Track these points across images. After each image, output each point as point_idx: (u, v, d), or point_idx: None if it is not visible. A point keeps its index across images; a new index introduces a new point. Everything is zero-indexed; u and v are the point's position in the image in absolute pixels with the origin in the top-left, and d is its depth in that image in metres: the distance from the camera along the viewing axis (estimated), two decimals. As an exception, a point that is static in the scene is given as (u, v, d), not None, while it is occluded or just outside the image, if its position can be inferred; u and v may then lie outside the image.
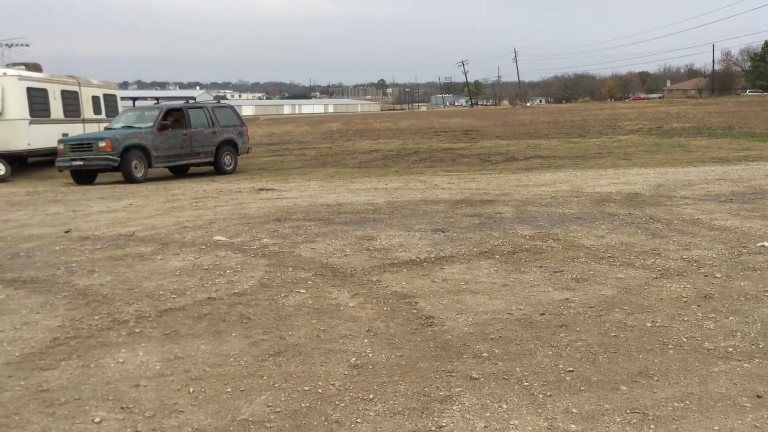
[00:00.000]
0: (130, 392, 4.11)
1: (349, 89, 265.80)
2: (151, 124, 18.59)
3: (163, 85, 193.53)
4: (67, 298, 6.08)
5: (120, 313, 5.60)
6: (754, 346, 4.61)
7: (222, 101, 25.32)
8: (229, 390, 4.11)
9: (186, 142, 19.31)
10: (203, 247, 8.08)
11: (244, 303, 5.82)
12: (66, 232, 9.46)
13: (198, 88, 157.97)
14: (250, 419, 3.73)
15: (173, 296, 6.05)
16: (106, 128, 20.27)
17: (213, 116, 20.38)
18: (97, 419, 3.77)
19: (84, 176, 18.27)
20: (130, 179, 17.78)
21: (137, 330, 5.20)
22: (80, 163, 17.60)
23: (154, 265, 7.19)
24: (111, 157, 17.34)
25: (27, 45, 60.51)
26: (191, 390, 4.11)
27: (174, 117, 19.48)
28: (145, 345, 4.88)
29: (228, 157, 20.66)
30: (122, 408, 3.90)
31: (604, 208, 10.03)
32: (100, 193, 15.05)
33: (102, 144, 17.27)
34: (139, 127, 18.63)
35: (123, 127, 19.15)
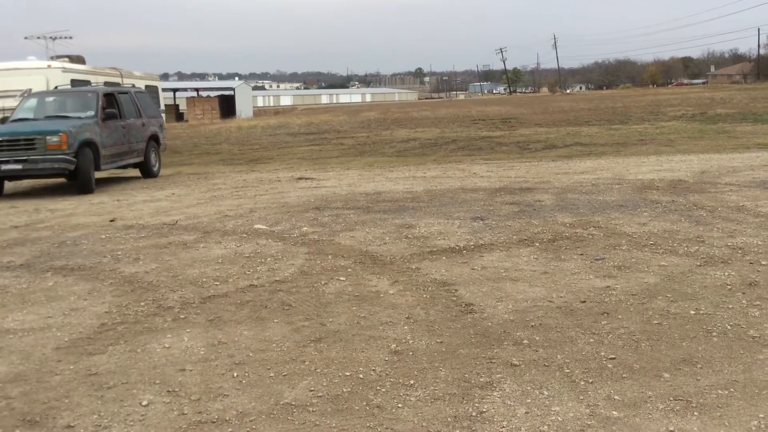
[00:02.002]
0: (176, 376, 4.20)
1: (387, 78, 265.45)
2: (93, 112, 13.85)
3: (202, 76, 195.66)
4: (113, 285, 6.22)
5: (165, 300, 5.72)
6: (801, 334, 4.52)
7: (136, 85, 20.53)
8: (271, 375, 4.18)
9: (125, 136, 15.15)
10: (244, 235, 8.19)
11: (285, 290, 5.89)
12: (111, 221, 9.67)
13: (237, 78, 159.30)
14: (293, 403, 3.79)
15: (216, 283, 6.16)
16: (9, 121, 14.44)
17: (139, 104, 16.29)
18: (144, 402, 3.86)
19: None
20: (85, 188, 13.26)
21: (182, 316, 5.31)
22: (17, 167, 12.51)
23: (196, 253, 7.31)
24: (67, 157, 12.62)
25: (70, 37, 61.51)
26: (235, 374, 4.19)
27: (108, 104, 14.78)
28: (189, 330, 4.98)
29: (154, 155, 16.77)
30: (168, 391, 3.99)
31: (647, 196, 9.89)
32: (143, 183, 15.30)
33: (55, 139, 12.48)
34: (79, 117, 13.80)
35: (47, 117, 13.99)
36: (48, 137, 12.56)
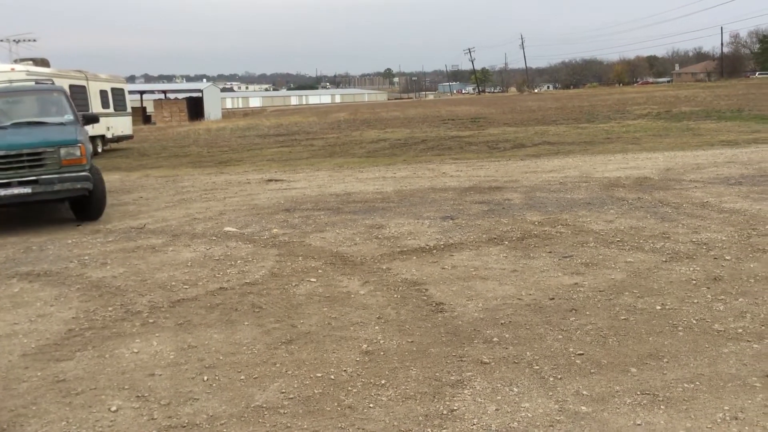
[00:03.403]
0: (145, 381, 4.16)
1: (356, 79, 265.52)
2: (71, 116, 10.60)
3: (170, 78, 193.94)
4: (80, 291, 6.15)
5: (133, 305, 5.66)
6: (764, 327, 4.62)
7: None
8: (242, 377, 4.16)
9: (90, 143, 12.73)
10: (214, 238, 8.14)
11: (255, 292, 5.87)
12: (77, 225, 9.53)
13: (205, 80, 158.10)
14: (264, 405, 3.78)
15: (185, 287, 6.11)
16: None
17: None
18: (113, 408, 3.83)
19: None
20: (99, 213, 10.06)
21: (151, 320, 5.26)
22: (24, 190, 8.96)
23: (165, 257, 7.25)
24: (87, 174, 9.45)
25: (34, 40, 60.73)
26: (205, 378, 4.17)
27: None
28: (158, 335, 4.94)
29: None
30: (138, 396, 3.96)
31: (613, 193, 10.02)
32: (108, 186, 15.10)
33: (74, 152, 9.31)
34: (61, 123, 10.37)
35: (14, 124, 10.08)
36: (63, 149, 9.12)
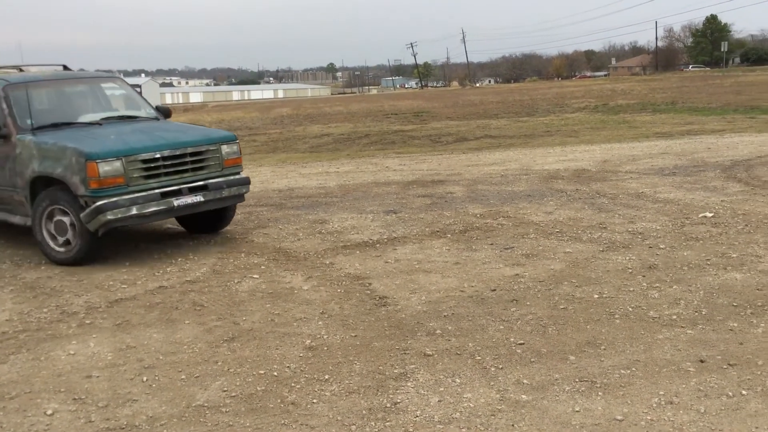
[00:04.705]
0: (82, 383, 4.07)
1: (299, 74, 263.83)
2: (152, 110, 8.57)
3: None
4: (14, 292, 5.96)
5: (69, 305, 5.52)
6: (697, 313, 4.77)
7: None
8: (183, 377, 4.10)
9: None
10: (153, 235, 7.98)
11: (196, 290, 5.78)
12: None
13: (143, 75, 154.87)
14: (206, 405, 3.74)
15: (123, 286, 5.99)
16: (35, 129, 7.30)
17: None
18: (49, 411, 3.73)
19: (207, 221, 8.06)
20: (228, 222, 8.23)
21: (87, 321, 5.14)
22: (196, 199, 7.18)
23: (103, 256, 7.08)
24: (247, 176, 7.94)
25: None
26: (144, 379, 4.09)
27: None
28: (96, 336, 4.83)
29: None
30: (74, 399, 3.86)
31: (553, 185, 10.19)
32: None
33: (234, 150, 7.76)
34: (156, 117, 8.43)
35: (105, 120, 7.89)
36: (225, 147, 7.61)
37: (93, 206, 6.44)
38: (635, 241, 6.69)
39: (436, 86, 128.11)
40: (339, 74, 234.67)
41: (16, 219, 7.30)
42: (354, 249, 6.90)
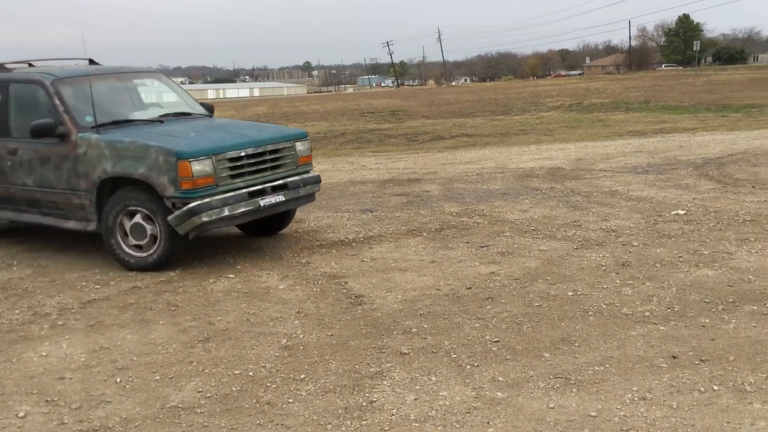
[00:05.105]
0: (54, 385, 4.02)
1: (275, 72, 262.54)
2: (201, 108, 8.10)
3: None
4: (-16, 294, 5.87)
5: (42, 306, 5.45)
6: (669, 310, 4.83)
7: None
8: (157, 378, 4.07)
9: None
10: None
11: (171, 290, 5.74)
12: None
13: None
14: (180, 406, 3.71)
15: (97, 287, 5.93)
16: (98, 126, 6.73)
17: None
18: (21, 413, 3.68)
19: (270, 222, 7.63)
20: (287, 224, 7.87)
21: (60, 323, 5.08)
22: (279, 198, 6.86)
23: (75, 257, 7.00)
24: (318, 174, 7.65)
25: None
26: (118, 380, 4.06)
27: None
28: (68, 337, 4.78)
29: None
30: (47, 401, 3.82)
31: (528, 183, 10.25)
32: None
33: (306, 147, 7.40)
34: (208, 114, 8.09)
35: (164, 116, 7.43)
36: (299, 144, 7.24)
37: (186, 208, 6.03)
38: (609, 239, 6.75)
39: (412, 85, 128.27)
40: (315, 73, 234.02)
41: (70, 224, 6.74)
42: (330, 248, 6.89)
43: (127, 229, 6.34)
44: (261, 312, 5.15)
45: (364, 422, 3.48)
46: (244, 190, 6.46)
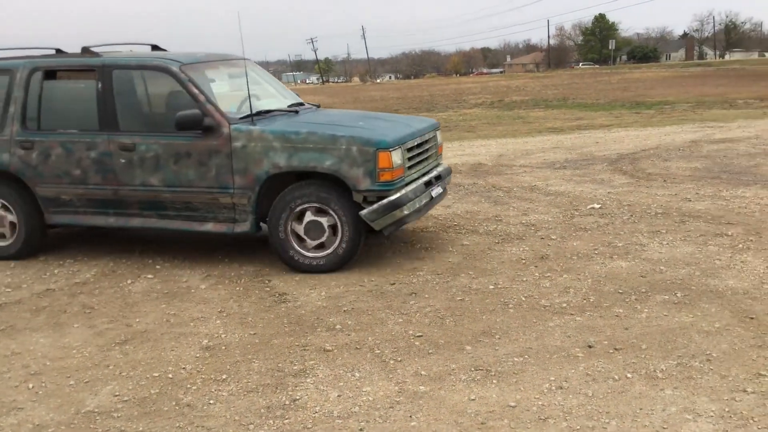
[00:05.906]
0: (-40, 394, 3.84)
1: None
2: (297, 96, 7.56)
3: None
4: None
5: (-53, 312, 5.20)
6: (585, 301, 4.97)
7: None
8: (72, 383, 3.94)
9: None
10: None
11: (86, 292, 5.57)
12: None
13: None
14: (96, 410, 3.60)
15: (8, 290, 5.69)
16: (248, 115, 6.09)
17: None
18: (-77, 426, 3.50)
19: None
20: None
21: (-33, 328, 4.85)
22: (440, 189, 6.67)
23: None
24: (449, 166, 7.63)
25: None
26: (30, 386, 3.91)
27: None
28: (-24, 343, 4.57)
29: None
30: (-48, 411, 3.64)
31: (451, 179, 10.38)
32: None
33: (440, 137, 7.20)
34: (309, 105, 7.27)
35: (292, 105, 6.93)
36: (439, 135, 7.13)
37: (387, 201, 5.58)
38: (528, 233, 6.90)
39: (337, 82, 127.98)
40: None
41: (208, 227, 6.06)
42: (254, 246, 6.81)
43: (301, 228, 5.82)
44: (181, 312, 5.05)
45: (286, 420, 3.46)
46: (420, 181, 6.15)
